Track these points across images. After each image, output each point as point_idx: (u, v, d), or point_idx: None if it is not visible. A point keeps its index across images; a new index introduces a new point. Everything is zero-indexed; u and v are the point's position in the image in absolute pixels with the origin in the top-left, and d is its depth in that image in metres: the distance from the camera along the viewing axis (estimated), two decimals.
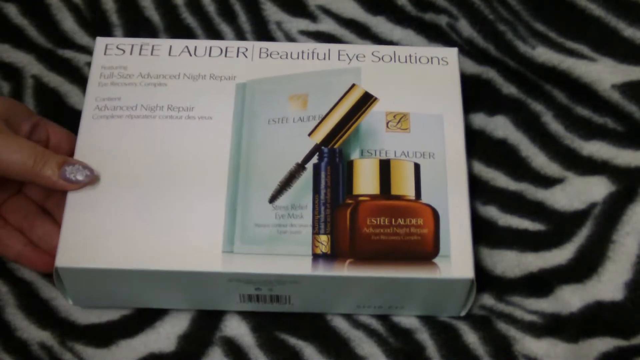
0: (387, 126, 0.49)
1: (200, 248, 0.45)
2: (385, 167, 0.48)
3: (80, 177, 0.46)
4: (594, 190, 0.50)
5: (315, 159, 0.48)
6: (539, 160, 0.52)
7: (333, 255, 0.45)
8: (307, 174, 0.48)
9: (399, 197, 0.47)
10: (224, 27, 0.60)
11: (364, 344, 0.48)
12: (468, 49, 0.56)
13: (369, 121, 0.49)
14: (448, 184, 0.47)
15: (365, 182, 0.47)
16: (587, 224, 0.49)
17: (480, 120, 0.54)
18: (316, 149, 0.48)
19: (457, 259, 0.45)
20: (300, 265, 0.45)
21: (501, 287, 0.49)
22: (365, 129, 0.49)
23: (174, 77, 0.51)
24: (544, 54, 0.53)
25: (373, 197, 0.47)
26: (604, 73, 0.52)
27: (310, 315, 0.49)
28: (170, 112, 0.50)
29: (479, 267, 0.50)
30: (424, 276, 0.45)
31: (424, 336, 0.48)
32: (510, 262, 0.50)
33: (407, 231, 0.46)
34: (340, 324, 0.48)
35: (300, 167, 0.48)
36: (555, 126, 0.53)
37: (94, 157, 0.48)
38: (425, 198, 0.47)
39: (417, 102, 0.50)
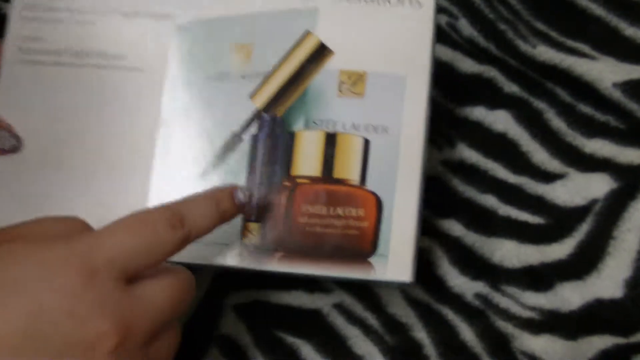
0: (340, 89, 0.43)
1: None
2: (330, 143, 0.42)
3: (5, 147, 0.43)
4: (595, 186, 0.50)
5: (255, 128, 0.43)
6: (540, 155, 0.52)
7: (263, 246, 0.42)
8: (245, 146, 0.43)
9: (341, 182, 0.42)
10: None
11: (361, 342, 0.47)
12: (469, 48, 0.56)
13: (319, 82, 0.43)
14: (399, 168, 0.42)
15: (306, 160, 0.42)
16: (588, 219, 0.49)
17: (479, 113, 0.54)
18: (256, 115, 0.43)
19: (395, 259, 0.41)
20: (228, 255, 0.42)
21: (498, 275, 0.49)
22: (314, 92, 0.43)
23: (105, 13, 0.45)
24: (544, 53, 0.53)
25: (313, 179, 0.42)
26: (605, 72, 0.52)
27: (307, 312, 0.48)
28: (99, 59, 0.44)
29: (476, 254, 0.50)
30: (357, 277, 0.41)
31: (421, 334, 0.48)
32: (509, 252, 0.49)
33: (345, 223, 0.41)
34: (337, 319, 0.48)
35: (236, 138, 0.43)
36: (557, 123, 0.53)
37: (14, 112, 0.44)
38: (370, 184, 0.42)
39: (377, 58, 0.43)
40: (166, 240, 0.35)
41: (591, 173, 0.50)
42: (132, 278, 0.34)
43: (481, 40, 0.55)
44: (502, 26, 0.55)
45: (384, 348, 0.47)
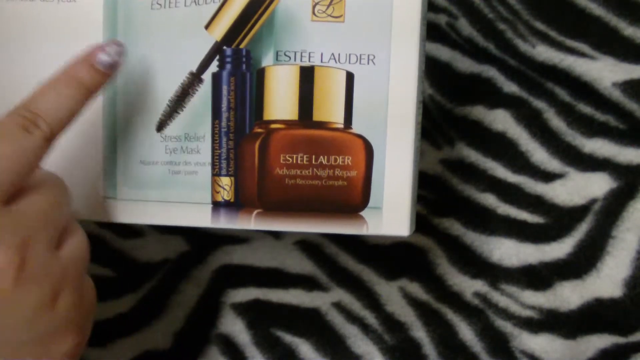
0: (314, 13, 0.35)
1: (76, 191, 0.36)
2: (307, 79, 0.35)
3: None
4: (594, 186, 0.50)
5: (215, 66, 0.36)
6: (539, 155, 0.52)
7: (237, 204, 0.37)
8: (206, 88, 0.36)
9: (322, 125, 0.36)
10: None
11: (359, 341, 0.47)
12: (468, 48, 0.56)
13: (288, 6, 0.35)
14: (390, 105, 0.35)
15: (280, 101, 0.35)
16: (587, 219, 0.49)
17: (478, 112, 0.54)
18: (216, 49, 0.36)
19: (390, 211, 0.36)
20: (198, 215, 0.37)
21: (497, 274, 0.49)
22: (284, 18, 0.35)
23: None
24: (544, 53, 0.53)
25: (289, 124, 0.35)
26: (604, 71, 0.52)
27: (305, 310, 0.48)
28: None
29: (475, 253, 0.50)
30: (348, 232, 0.36)
31: (420, 333, 0.47)
32: (508, 251, 0.49)
33: (331, 174, 0.36)
34: (335, 318, 0.48)
35: (195, 79, 0.36)
36: (556, 123, 0.53)
37: None
38: (357, 126, 0.36)
39: None
40: (27, 147, 0.32)
41: (591, 173, 0.50)
42: (10, 196, 0.32)
43: (480, 40, 0.55)
44: (502, 26, 0.54)
45: (383, 347, 0.47)
